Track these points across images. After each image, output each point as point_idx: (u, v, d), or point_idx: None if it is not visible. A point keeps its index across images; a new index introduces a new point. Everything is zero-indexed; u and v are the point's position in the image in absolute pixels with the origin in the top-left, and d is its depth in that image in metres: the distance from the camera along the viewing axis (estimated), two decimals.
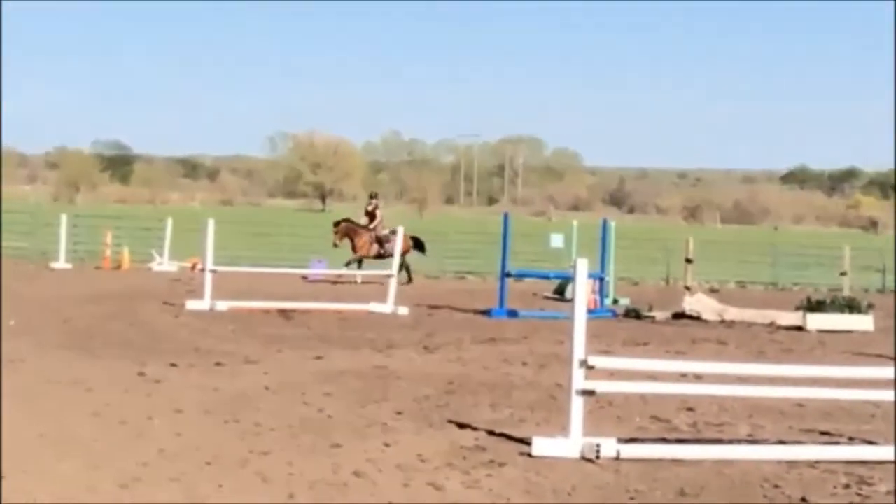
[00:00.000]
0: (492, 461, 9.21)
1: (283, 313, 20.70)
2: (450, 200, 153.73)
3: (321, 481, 8.40)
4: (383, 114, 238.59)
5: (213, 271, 21.51)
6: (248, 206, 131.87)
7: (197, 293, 21.67)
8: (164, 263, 33.64)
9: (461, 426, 10.52)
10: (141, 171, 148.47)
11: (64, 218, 33.76)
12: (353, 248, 31.48)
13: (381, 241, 31.39)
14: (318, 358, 14.94)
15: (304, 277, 30.83)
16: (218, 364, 13.97)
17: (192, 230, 33.30)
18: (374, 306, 21.83)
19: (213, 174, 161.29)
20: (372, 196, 33.46)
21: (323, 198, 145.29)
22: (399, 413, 11.10)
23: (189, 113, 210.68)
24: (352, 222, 32.17)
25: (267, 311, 20.88)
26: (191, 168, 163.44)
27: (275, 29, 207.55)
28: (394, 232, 29.79)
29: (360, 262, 31.30)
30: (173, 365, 13.74)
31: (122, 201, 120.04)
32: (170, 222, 35.16)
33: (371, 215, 32.13)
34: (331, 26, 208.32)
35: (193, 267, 30.41)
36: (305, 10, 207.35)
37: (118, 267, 33.24)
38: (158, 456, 8.89)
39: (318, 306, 21.79)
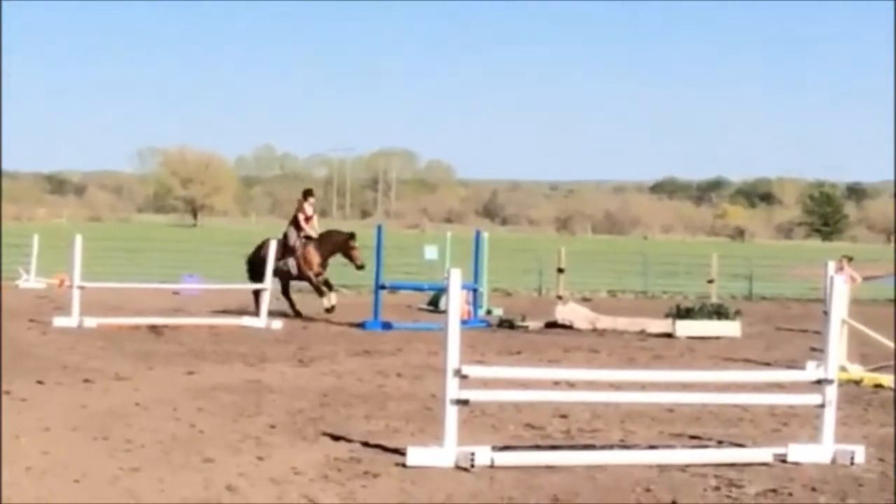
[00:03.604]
0: (366, 472, 9.19)
1: (154, 329, 20.38)
2: (323, 214, 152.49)
3: (193, 497, 8.30)
4: (255, 128, 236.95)
5: (81, 287, 21.10)
6: (116, 222, 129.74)
7: (64, 310, 21.25)
8: (30, 280, 32.95)
9: (336, 438, 10.47)
10: (6, 188, 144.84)
11: None
12: (307, 268, 24.64)
13: None
14: (190, 373, 14.76)
15: (176, 293, 30.36)
16: (86, 381, 13.70)
17: (60, 247, 32.65)
18: (247, 320, 21.63)
19: (80, 190, 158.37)
20: (309, 194, 25.66)
21: (194, 213, 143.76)
22: (272, 427, 11.01)
23: (55, 128, 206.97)
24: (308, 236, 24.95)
25: (137, 328, 20.55)
26: (57, 184, 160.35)
27: (142, 41, 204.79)
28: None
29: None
30: (40, 382, 13.44)
31: None
32: (36, 239, 34.44)
33: (310, 219, 25.17)
34: (199, 38, 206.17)
35: (61, 283, 29.83)
36: (174, 22, 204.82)
37: None
38: (25, 475, 8.70)
39: (189, 321, 21.53)
